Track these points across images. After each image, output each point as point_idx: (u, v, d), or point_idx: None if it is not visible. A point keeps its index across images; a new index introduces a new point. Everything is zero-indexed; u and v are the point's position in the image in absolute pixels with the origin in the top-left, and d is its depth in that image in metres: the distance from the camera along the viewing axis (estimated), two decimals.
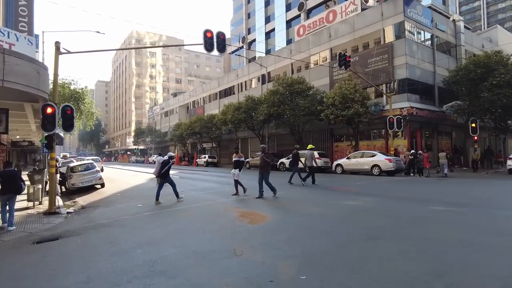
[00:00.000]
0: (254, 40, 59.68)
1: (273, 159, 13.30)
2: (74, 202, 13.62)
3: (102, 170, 25.28)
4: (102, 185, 17.14)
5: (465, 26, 31.07)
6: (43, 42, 18.69)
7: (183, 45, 13.16)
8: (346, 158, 22.05)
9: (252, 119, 30.57)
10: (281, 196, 11.08)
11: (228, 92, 45.68)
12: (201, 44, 12.75)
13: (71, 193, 16.04)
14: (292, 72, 33.26)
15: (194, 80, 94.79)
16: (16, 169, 9.08)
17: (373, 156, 20.17)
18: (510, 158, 19.63)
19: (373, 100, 24.39)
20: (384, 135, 25.77)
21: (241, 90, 41.78)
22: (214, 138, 41.23)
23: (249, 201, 10.51)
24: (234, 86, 44.21)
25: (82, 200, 13.56)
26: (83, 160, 28.51)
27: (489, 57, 21.58)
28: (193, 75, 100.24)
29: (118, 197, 13.54)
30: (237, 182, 11.86)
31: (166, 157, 11.76)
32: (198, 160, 41.89)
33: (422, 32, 25.93)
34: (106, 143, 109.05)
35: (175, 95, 67.89)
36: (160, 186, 11.10)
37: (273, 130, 32.88)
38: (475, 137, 22.34)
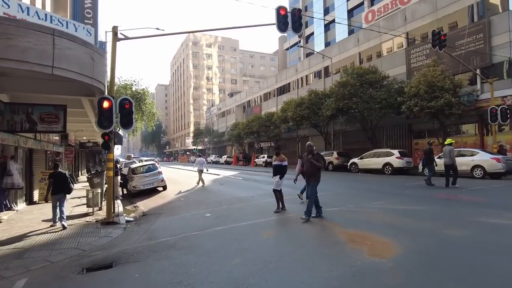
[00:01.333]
0: (312, 34, 56.77)
1: (325, 163, 9.59)
2: (135, 207, 12.51)
3: None
4: (164, 188, 16.07)
5: None
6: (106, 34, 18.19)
7: (255, 25, 11.30)
8: (437, 157, 18.59)
9: (316, 115, 28.03)
10: (385, 209, 8.66)
11: (286, 88, 43.53)
12: (274, 24, 10.81)
13: (132, 196, 15.14)
14: (361, 62, 30.04)
15: (249, 80, 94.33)
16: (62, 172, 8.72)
17: (473, 155, 16.58)
18: None
19: (464, 89, 20.51)
20: (479, 129, 21.66)
21: (301, 86, 39.32)
22: (273, 137, 39.35)
23: (349, 214, 8.25)
24: (292, 82, 41.92)
25: (144, 205, 12.39)
26: (143, 160, 28.34)
27: None
28: (248, 75, 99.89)
29: (182, 202, 12.11)
30: (277, 193, 8.89)
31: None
32: (256, 160, 40.33)
33: None
34: (167, 144, 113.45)
35: (231, 95, 67.51)
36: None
37: (338, 127, 30.02)
38: None
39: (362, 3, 44.19)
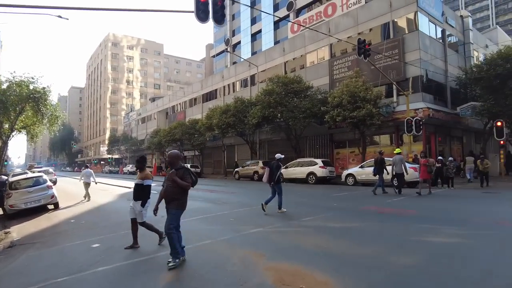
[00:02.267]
0: (239, 42, 56.43)
1: (194, 181, 6.61)
2: (6, 233, 9.47)
3: (54, 183, 20.90)
4: (56, 205, 12.99)
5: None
6: None
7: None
8: (359, 167, 18.72)
9: (242, 123, 26.90)
10: (317, 227, 7.49)
11: (212, 95, 41.88)
12: (192, 12, 9.17)
13: (9, 217, 11.82)
14: (285, 72, 29.95)
15: (173, 86, 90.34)
16: None
17: (385, 164, 16.89)
18: None
19: (383, 101, 21.34)
20: (395, 140, 22.73)
21: (228, 93, 38.08)
22: (197, 145, 37.21)
23: (276, 236, 6.83)
24: (218, 89, 40.47)
25: (19, 230, 9.49)
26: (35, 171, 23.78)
27: None
28: (172, 81, 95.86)
29: (71, 225, 9.50)
30: (143, 226, 6.27)
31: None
32: None
33: (434, 26, 23.25)
34: (79, 152, 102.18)
35: (153, 100, 63.35)
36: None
37: (264, 136, 29.37)
38: (502, 142, 19.64)
39: (288, 16, 45.20)
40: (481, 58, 25.42)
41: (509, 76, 18.69)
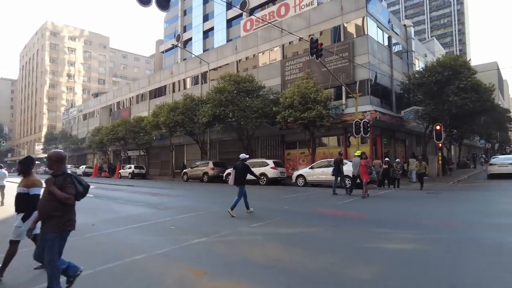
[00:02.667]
0: (190, 39, 54.72)
1: (78, 193, 3.78)
2: None
3: None
4: None
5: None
6: None
7: None
8: (309, 168, 18.60)
9: (192, 121, 25.67)
10: (268, 234, 6.81)
11: (160, 92, 39.84)
12: None
13: None
14: (238, 71, 29.27)
15: (120, 81, 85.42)
16: None
17: (343, 165, 16.96)
18: (491, 164, 18.39)
19: (333, 103, 21.53)
20: (343, 141, 23.10)
21: (178, 90, 36.41)
22: (142, 144, 35.08)
23: (223, 247, 6.03)
24: (167, 85, 38.61)
25: None
26: None
27: (455, 59, 20.25)
28: (119, 76, 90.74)
29: None
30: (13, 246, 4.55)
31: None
32: (121, 171, 35.15)
33: (382, 32, 24.08)
34: (9, 151, 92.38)
35: (96, 95, 59.08)
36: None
37: (215, 135, 28.39)
38: (440, 144, 20.75)
39: (241, 15, 44.63)
40: (422, 65, 26.91)
41: (447, 83, 19.82)
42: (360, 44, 22.08)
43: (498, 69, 68.03)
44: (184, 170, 27.23)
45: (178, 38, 55.40)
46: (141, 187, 20.61)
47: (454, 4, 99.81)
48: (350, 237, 6.40)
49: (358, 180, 13.88)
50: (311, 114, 19.02)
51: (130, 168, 34.04)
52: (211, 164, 24.52)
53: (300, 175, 18.59)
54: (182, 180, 26.61)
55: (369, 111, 20.76)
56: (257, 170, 20.60)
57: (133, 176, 32.70)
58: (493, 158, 22.74)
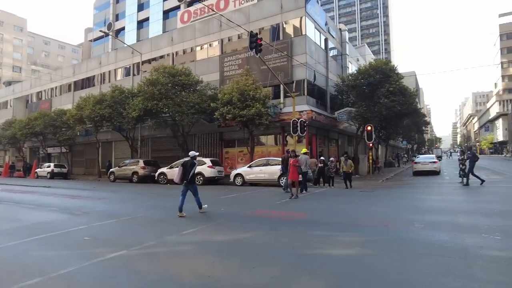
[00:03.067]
0: (123, 29, 50.96)
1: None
2: None
3: None
4: None
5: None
6: None
7: None
8: (248, 167, 18.11)
9: (120, 116, 23.55)
10: (199, 243, 6.01)
11: (87, 83, 36.21)
12: None
13: None
14: (173, 64, 27.67)
15: (40, 70, 76.57)
16: None
17: (279, 163, 16.78)
18: (416, 162, 19.91)
19: (271, 101, 21.35)
20: (281, 140, 23.10)
21: (107, 81, 33.38)
22: (64, 141, 31.51)
23: (144, 261, 5.07)
24: (96, 76, 35.25)
25: None
26: None
27: (386, 63, 21.42)
28: (39, 64, 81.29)
29: None
30: None
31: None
32: (38, 170, 31.17)
33: (319, 33, 24.58)
34: None
35: (9, 83, 52.04)
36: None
37: (146, 132, 26.50)
38: (370, 144, 21.79)
39: (178, 7, 42.74)
40: (355, 69, 28.21)
41: (378, 86, 20.86)
42: (298, 44, 22.22)
43: (416, 77, 75.35)
44: (111, 170, 24.93)
45: (109, 26, 51.22)
46: (60, 189, 18.21)
47: (380, 16, 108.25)
48: (290, 242, 5.89)
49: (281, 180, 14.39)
50: (250, 111, 18.55)
51: (49, 167, 30.29)
52: (141, 163, 22.74)
53: (238, 174, 18.01)
54: (109, 180, 24.32)
55: (305, 110, 20.98)
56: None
57: (53, 176, 29.16)
58: (417, 157, 25.11)
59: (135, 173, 22.38)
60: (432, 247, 5.32)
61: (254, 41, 14.10)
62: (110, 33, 46.80)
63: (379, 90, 20.71)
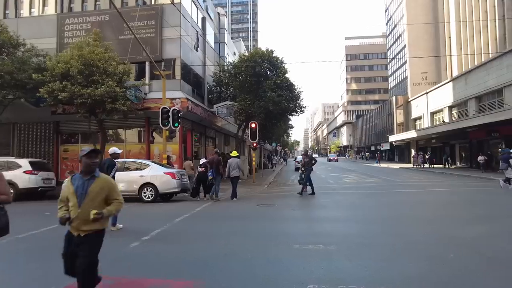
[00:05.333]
0: None
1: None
2: None
3: None
4: None
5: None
6: None
7: None
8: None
9: None
10: None
11: None
12: None
13: None
14: None
15: None
16: None
17: (143, 168, 11.68)
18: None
19: (132, 82, 15.83)
20: (145, 136, 17.80)
21: None
22: None
23: None
24: None
25: None
26: None
27: (272, 52, 18.71)
28: None
29: None
30: None
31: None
32: None
33: (196, 9, 20.28)
34: None
35: None
36: None
37: None
38: (255, 144, 18.80)
39: None
40: (236, 58, 24.98)
41: (264, 77, 18.01)
42: (171, 13, 17.32)
43: None
44: None
45: None
46: None
47: (250, 22, 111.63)
48: None
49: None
50: (98, 90, 12.76)
51: None
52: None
53: None
54: None
55: (179, 98, 16.40)
56: None
57: None
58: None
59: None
60: None
61: None
62: None
63: (266, 82, 17.88)
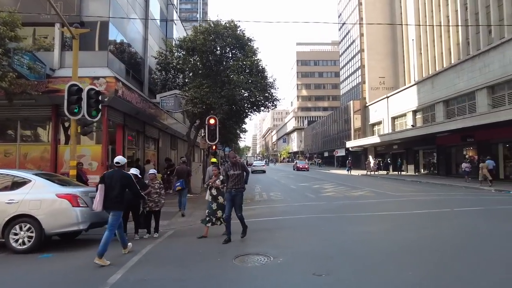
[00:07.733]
0: None
1: None
2: None
3: None
4: None
5: None
6: None
7: None
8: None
9: None
10: None
11: None
12: None
13: None
14: None
15: None
16: None
17: (16, 185, 6.31)
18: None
19: (26, 44, 10.17)
20: (52, 133, 12.08)
21: None
22: None
23: None
24: None
25: None
26: None
27: (234, 28, 14.03)
28: None
29: None
30: None
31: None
32: None
33: None
34: None
35: None
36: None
37: None
38: (214, 146, 14.02)
39: None
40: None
41: (228, 56, 13.37)
42: None
43: None
44: None
45: None
46: None
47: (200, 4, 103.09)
48: None
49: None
50: None
51: None
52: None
53: None
54: None
55: (105, 77, 11.12)
56: None
57: None
58: (254, 162, 45.00)
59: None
60: None
61: None
62: None
63: (230, 63, 13.24)
